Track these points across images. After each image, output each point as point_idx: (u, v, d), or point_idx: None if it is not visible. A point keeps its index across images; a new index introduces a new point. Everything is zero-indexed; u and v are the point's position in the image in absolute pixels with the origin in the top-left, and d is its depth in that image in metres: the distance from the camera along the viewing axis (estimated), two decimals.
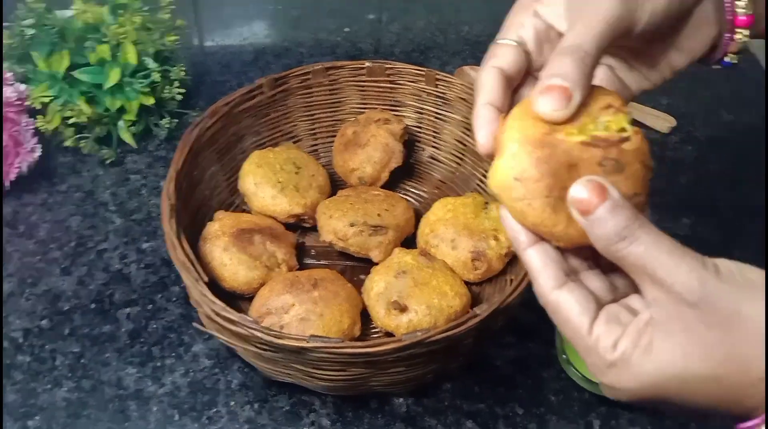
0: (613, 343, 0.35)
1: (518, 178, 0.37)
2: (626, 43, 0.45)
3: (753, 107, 1.05)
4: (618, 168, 0.37)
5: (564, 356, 0.68)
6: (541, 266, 0.38)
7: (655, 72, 0.50)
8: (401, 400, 0.70)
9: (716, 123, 1.04)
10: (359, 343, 0.58)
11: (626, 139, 0.37)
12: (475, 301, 0.76)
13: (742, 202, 0.91)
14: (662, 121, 1.02)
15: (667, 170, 0.95)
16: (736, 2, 0.48)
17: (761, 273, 0.34)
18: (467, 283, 0.76)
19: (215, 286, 0.74)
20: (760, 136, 0.97)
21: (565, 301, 0.37)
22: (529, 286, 0.67)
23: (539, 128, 0.38)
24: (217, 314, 0.61)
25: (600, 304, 0.38)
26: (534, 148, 0.36)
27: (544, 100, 0.37)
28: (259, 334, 0.59)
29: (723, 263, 0.34)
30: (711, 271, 0.33)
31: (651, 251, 0.34)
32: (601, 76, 0.49)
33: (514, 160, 0.37)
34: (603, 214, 0.35)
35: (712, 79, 1.09)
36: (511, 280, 0.75)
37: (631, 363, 0.34)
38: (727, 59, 0.50)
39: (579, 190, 0.35)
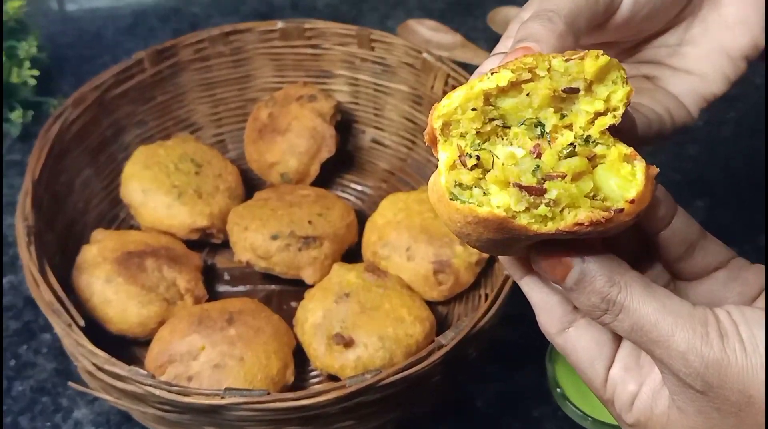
0: (630, 401, 0.40)
1: (457, 234, 0.38)
2: (631, 27, 0.47)
3: None
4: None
5: (559, 390, 0.69)
6: (540, 302, 0.41)
7: (706, 64, 0.50)
8: None
9: None
10: (291, 395, 0.58)
11: (618, 212, 0.35)
12: (441, 326, 0.76)
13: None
14: None
15: (672, 140, 0.97)
16: None
17: None
18: (430, 303, 0.76)
19: (98, 330, 0.73)
20: None
21: (572, 348, 0.41)
22: (510, 301, 0.67)
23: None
24: (100, 369, 0.60)
25: (618, 340, 0.41)
26: (472, 228, 0.36)
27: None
28: (157, 392, 0.58)
29: (724, 318, 0.36)
30: (713, 342, 0.35)
31: (640, 325, 0.37)
32: (636, 86, 0.49)
33: (451, 223, 0.37)
34: (571, 285, 0.38)
35: None
36: (486, 295, 0.75)
37: None
38: None
39: (539, 262, 0.38)
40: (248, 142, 0.89)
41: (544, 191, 0.35)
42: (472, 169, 0.36)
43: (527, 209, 0.35)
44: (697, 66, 0.50)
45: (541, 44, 0.39)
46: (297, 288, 0.79)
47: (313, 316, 0.72)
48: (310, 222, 0.79)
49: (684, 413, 0.37)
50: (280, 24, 0.88)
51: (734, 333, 0.36)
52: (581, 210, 0.35)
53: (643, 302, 0.37)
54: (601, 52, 0.36)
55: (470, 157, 0.36)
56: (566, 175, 0.35)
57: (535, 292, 0.42)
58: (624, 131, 0.39)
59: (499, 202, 0.35)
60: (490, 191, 0.36)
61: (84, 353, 0.60)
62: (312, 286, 0.77)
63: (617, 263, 0.38)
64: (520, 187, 0.35)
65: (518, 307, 0.71)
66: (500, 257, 0.43)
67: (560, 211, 0.35)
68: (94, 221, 0.83)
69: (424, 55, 0.84)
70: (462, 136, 0.37)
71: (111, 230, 0.81)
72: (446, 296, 0.77)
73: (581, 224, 0.35)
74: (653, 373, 0.40)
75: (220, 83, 0.90)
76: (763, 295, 0.43)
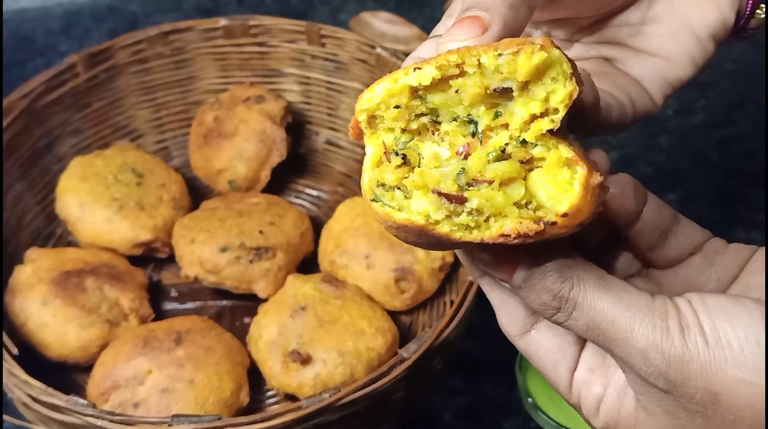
0: (596, 404, 0.39)
1: (385, 229, 0.37)
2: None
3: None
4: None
5: (530, 400, 0.68)
6: (501, 303, 0.40)
7: (670, 44, 0.48)
8: None
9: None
10: (244, 419, 0.57)
11: (550, 225, 0.33)
12: (405, 337, 0.76)
13: (743, 166, 0.94)
14: None
15: (642, 128, 0.97)
16: None
17: (735, 305, 0.35)
18: (393, 314, 0.76)
19: (36, 357, 0.72)
20: (759, 71, 1.00)
21: (535, 351, 0.40)
22: (476, 308, 0.67)
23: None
24: (36, 400, 0.59)
25: (583, 341, 0.40)
26: (395, 231, 0.36)
27: (450, 35, 0.36)
28: (99, 423, 0.57)
29: (684, 309, 0.35)
30: (674, 337, 0.34)
31: (597, 323, 0.36)
32: (594, 68, 0.48)
33: (378, 219, 0.36)
34: (519, 283, 0.37)
35: None
36: (452, 302, 0.75)
37: None
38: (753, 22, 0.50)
39: (484, 258, 0.38)
40: (193, 149, 0.88)
41: (465, 199, 0.33)
42: (398, 167, 0.35)
43: (448, 217, 0.34)
44: (661, 47, 0.48)
45: (491, 13, 0.36)
46: (249, 303, 0.79)
47: (268, 332, 0.71)
48: (261, 232, 0.78)
49: (651, 414, 0.36)
50: (223, 21, 0.87)
51: (695, 324, 0.34)
52: (508, 220, 0.33)
53: (598, 297, 0.35)
54: (539, 45, 0.33)
55: (396, 154, 0.35)
56: (493, 181, 0.33)
57: (495, 291, 0.40)
58: (587, 107, 0.37)
59: (419, 207, 0.34)
60: (411, 194, 0.34)
61: (17, 384, 0.59)
62: (265, 300, 0.77)
63: (568, 256, 0.36)
64: (440, 194, 0.34)
65: (484, 315, 0.72)
66: (457, 252, 0.41)
67: (485, 220, 0.34)
68: (28, 239, 0.82)
69: (378, 50, 0.84)
70: (390, 129, 0.35)
71: (47, 248, 0.80)
72: (409, 305, 0.77)
73: (507, 236, 0.33)
74: (618, 374, 0.38)
75: (160, 86, 0.90)
76: (739, 281, 0.41)
